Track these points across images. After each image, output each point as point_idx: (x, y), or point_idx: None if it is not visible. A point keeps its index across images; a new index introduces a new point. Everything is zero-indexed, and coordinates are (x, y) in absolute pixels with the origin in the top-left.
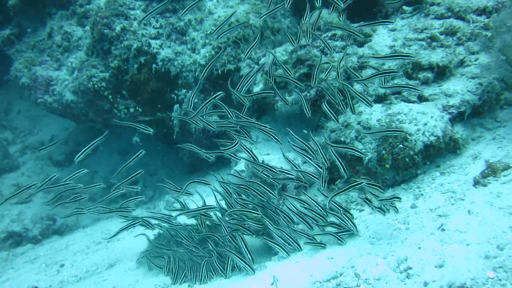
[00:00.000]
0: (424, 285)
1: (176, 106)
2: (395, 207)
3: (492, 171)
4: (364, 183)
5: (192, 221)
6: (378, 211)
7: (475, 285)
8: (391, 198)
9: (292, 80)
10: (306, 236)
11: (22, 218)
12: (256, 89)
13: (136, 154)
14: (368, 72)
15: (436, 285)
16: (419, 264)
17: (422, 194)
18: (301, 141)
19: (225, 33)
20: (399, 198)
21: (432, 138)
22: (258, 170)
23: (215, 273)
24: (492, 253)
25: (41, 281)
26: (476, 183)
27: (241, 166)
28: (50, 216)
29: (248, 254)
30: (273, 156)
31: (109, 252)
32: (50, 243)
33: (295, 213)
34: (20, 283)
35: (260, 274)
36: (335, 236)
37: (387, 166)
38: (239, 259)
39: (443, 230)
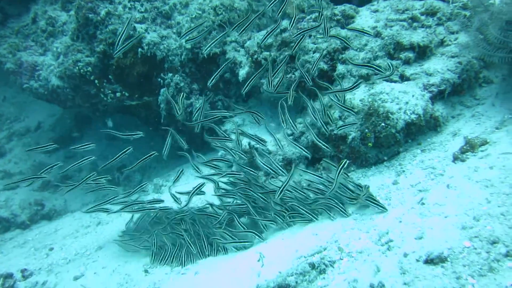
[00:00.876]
0: (404, 256)
1: (163, 90)
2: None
3: (470, 146)
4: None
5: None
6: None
7: (452, 254)
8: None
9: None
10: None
11: (9, 204)
12: (242, 72)
13: (123, 151)
14: (351, 53)
15: (415, 256)
16: (400, 236)
17: (403, 171)
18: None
19: (196, 39)
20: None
21: (413, 116)
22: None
23: (201, 255)
24: (469, 224)
25: (30, 265)
26: (455, 158)
27: None
28: (38, 202)
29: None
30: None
31: (98, 235)
32: (39, 228)
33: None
34: (9, 266)
35: (247, 251)
36: (327, 213)
37: (370, 144)
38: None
39: (423, 204)
